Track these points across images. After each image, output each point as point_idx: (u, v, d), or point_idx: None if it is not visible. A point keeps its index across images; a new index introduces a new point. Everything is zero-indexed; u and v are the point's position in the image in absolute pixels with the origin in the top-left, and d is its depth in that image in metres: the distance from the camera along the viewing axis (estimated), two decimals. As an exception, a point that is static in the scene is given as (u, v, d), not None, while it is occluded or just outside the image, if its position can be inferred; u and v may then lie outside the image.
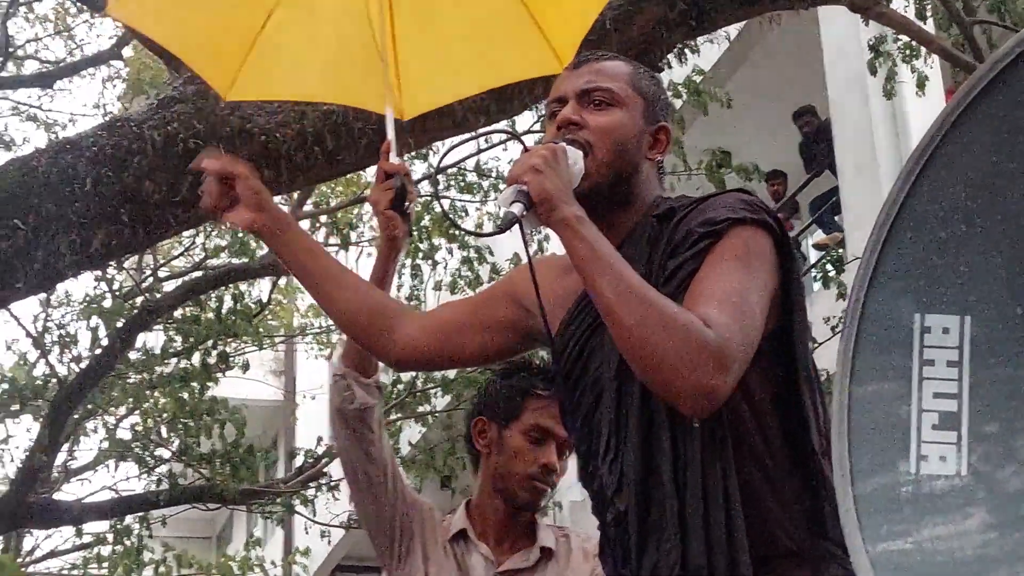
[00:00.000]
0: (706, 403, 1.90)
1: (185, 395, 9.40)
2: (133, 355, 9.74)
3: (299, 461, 10.35)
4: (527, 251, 2.23)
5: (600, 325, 2.09)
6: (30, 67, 11.26)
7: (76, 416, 9.65)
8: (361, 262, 9.98)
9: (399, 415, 10.20)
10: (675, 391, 1.90)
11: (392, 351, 2.38)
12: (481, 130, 4.71)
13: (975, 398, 1.65)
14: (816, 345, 7.08)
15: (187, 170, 4.09)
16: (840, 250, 11.07)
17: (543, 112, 2.48)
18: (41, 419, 9.09)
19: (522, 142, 2.22)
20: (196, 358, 9.45)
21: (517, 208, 2.01)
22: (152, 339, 10.89)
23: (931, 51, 7.87)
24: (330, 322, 12.91)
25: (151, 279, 11.55)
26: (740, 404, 2.00)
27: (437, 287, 10.12)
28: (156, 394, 10.19)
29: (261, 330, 11.23)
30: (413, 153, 7.09)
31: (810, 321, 2.21)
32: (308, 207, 9.89)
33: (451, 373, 8.96)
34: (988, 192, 1.68)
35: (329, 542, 14.54)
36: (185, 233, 10.00)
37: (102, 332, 9.12)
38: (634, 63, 2.34)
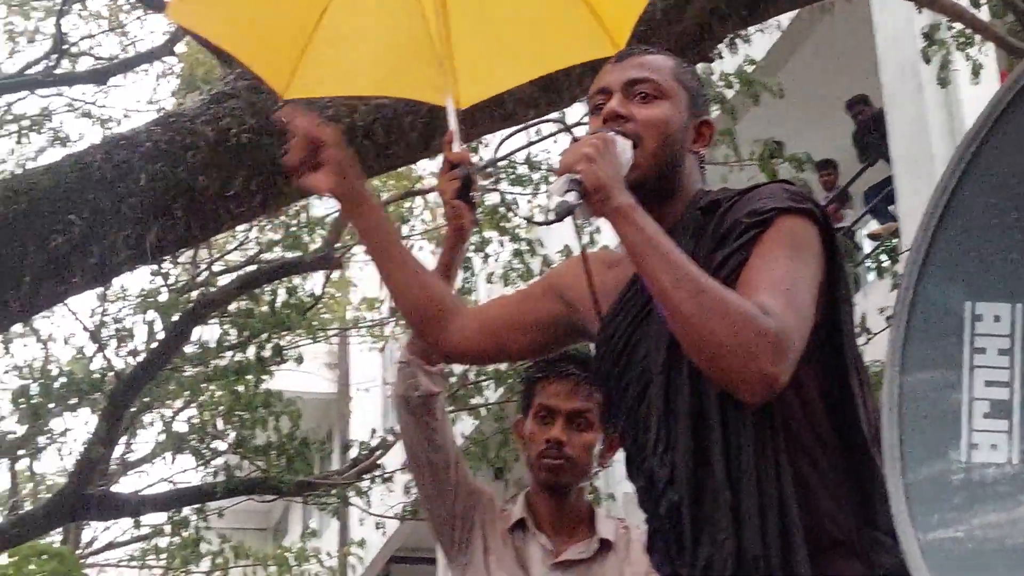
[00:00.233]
0: (766, 391, 1.90)
1: (240, 388, 9.45)
2: (189, 349, 9.81)
3: (353, 453, 10.40)
4: (580, 240, 2.23)
5: (645, 317, 2.09)
6: (84, 64, 11.34)
7: (133, 409, 9.76)
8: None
9: (452, 408, 10.22)
10: (735, 379, 1.90)
11: (443, 343, 2.39)
12: (532, 121, 4.70)
13: (1027, 386, 1.64)
14: (871, 335, 7.04)
15: (240, 162, 4.11)
16: (895, 240, 10.96)
17: (593, 103, 2.50)
18: (99, 413, 9.19)
19: (572, 133, 2.23)
20: (251, 351, 9.50)
21: (572, 197, 1.99)
22: (207, 333, 10.97)
23: (985, 38, 7.79)
24: (383, 316, 13.06)
25: (206, 273, 11.65)
26: (790, 395, 1.99)
27: (489, 279, 10.15)
28: (212, 387, 10.27)
29: (315, 323, 11.29)
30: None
31: (864, 311, 2.20)
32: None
33: (503, 365, 8.98)
34: (1039, 179, 1.67)
35: (384, 533, 14.60)
36: (239, 227, 10.05)
37: (158, 326, 9.23)
38: (675, 57, 2.34)
